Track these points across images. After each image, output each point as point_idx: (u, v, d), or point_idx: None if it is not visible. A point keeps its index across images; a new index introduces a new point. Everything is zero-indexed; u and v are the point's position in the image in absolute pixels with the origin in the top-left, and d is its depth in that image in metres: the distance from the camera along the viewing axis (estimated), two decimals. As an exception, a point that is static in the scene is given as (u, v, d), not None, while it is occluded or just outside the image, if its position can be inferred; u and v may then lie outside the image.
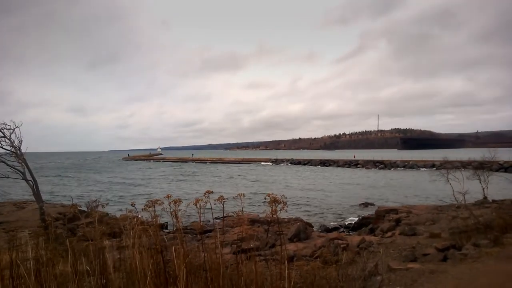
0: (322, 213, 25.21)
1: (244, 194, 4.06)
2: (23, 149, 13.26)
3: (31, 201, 21.20)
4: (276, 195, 3.68)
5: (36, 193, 13.31)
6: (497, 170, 43.84)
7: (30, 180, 13.01)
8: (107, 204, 4.83)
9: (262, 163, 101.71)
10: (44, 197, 33.63)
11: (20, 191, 33.24)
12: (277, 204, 3.57)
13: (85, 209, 16.80)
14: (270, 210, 3.59)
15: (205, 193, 3.98)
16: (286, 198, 3.67)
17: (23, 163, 13.07)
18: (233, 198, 4.25)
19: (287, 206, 3.64)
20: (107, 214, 16.94)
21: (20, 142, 13.12)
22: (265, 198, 3.75)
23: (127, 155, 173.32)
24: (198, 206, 3.79)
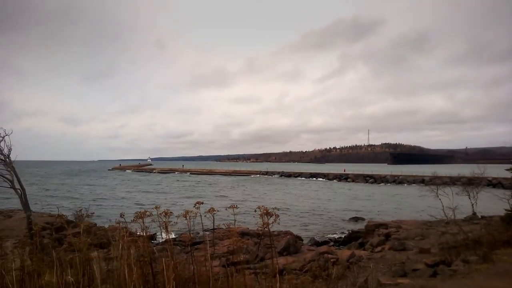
0: (312, 226, 25.16)
1: (236, 206, 4.03)
2: (12, 158, 13.06)
3: (19, 210, 20.85)
4: (267, 207, 3.66)
5: (24, 202, 13.06)
6: (485, 186, 44.17)
7: (19, 189, 12.78)
8: (93, 213, 4.75)
9: (252, 175, 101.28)
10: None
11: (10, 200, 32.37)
12: (269, 217, 3.54)
13: (73, 219, 16.52)
14: (262, 223, 3.56)
15: (195, 204, 3.94)
16: (278, 210, 3.66)
17: (12, 171, 12.86)
18: (225, 209, 4.22)
19: (279, 219, 3.62)
20: (95, 224, 16.73)
21: (10, 150, 12.93)
22: (255, 211, 3.73)
23: (119, 165, 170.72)
24: (187, 217, 3.76)
